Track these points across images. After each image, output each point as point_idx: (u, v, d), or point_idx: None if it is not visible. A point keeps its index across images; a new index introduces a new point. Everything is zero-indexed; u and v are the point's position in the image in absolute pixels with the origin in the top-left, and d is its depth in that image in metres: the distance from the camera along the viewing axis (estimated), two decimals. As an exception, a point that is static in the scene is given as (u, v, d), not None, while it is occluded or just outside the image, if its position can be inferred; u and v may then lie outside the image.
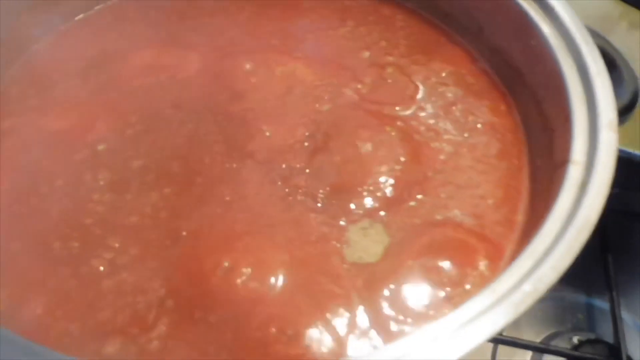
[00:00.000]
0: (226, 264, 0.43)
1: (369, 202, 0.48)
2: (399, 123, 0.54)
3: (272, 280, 0.43)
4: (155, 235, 0.46)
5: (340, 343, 0.41)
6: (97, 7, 0.64)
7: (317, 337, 0.40)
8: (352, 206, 0.48)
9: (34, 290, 0.43)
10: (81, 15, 0.63)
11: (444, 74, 0.59)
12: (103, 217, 0.47)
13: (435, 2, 0.63)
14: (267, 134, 0.52)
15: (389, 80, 0.58)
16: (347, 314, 0.42)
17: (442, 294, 0.43)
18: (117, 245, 0.45)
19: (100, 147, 0.52)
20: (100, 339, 0.41)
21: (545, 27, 0.51)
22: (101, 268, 0.44)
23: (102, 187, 0.49)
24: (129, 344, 0.40)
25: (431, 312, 0.43)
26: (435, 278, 0.44)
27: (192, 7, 0.64)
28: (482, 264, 0.45)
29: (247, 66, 0.58)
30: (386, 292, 0.43)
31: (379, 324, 0.42)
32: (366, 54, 0.60)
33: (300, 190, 0.49)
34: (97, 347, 0.40)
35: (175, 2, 0.65)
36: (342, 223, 0.47)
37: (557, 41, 0.50)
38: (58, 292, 0.43)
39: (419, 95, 0.57)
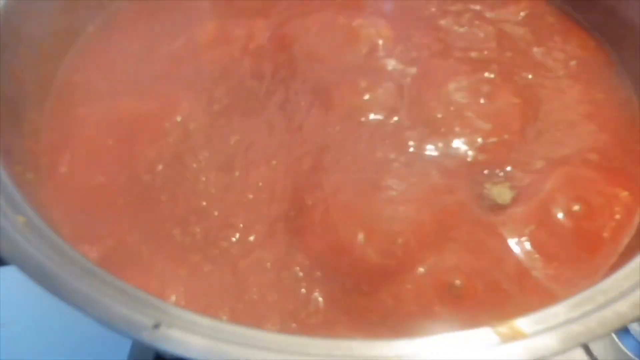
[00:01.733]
0: (361, 236, 0.41)
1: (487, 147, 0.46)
2: (494, 66, 0.52)
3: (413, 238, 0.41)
4: (277, 209, 0.43)
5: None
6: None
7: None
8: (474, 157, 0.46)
9: (169, 281, 0.40)
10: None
11: (522, 15, 0.57)
12: (217, 198, 0.44)
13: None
14: (362, 91, 0.50)
15: (466, 27, 0.56)
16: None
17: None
18: (241, 224, 0.42)
19: (192, 126, 0.48)
20: (256, 322, 0.38)
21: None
22: (233, 250, 0.41)
23: (206, 167, 0.46)
24: (289, 321, 0.38)
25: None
26: (575, 215, 0.43)
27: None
28: (622, 195, 0.43)
29: (321, 26, 0.55)
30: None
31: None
32: (439, 2, 0.58)
33: (413, 146, 0.46)
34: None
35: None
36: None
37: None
38: (194, 280, 0.40)
39: (503, 39, 0.55)
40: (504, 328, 0.28)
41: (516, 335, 0.28)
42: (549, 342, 0.27)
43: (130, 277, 0.39)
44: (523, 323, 0.28)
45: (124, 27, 0.57)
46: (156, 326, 0.28)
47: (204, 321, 0.29)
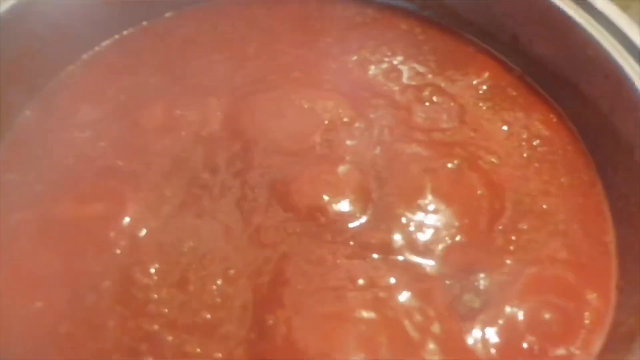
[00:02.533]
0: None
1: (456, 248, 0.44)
2: (457, 150, 0.50)
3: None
4: (236, 331, 0.40)
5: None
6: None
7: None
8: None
9: None
10: (70, 67, 0.54)
11: (483, 89, 0.55)
12: (170, 320, 0.40)
13: (454, 10, 0.59)
14: (322, 188, 0.47)
15: (428, 103, 0.54)
16: None
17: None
18: (197, 350, 0.39)
19: (140, 232, 0.44)
20: None
21: (597, 34, 0.49)
22: (189, 384, 0.38)
23: (157, 283, 0.42)
24: None
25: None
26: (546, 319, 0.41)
27: (192, 44, 0.57)
28: (591, 297, 0.42)
29: (278, 107, 0.52)
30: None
31: None
32: (397, 77, 0.56)
33: (380, 250, 0.44)
34: None
35: (172, 41, 0.57)
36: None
37: (614, 49, 0.48)
38: None
39: (465, 116, 0.53)
40: None
41: None
42: None
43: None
44: None
45: (63, 109, 0.52)
46: None
47: None
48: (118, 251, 0.43)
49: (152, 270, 0.43)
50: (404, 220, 0.45)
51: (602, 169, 0.49)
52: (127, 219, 0.45)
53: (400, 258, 0.44)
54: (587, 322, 0.41)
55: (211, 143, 0.50)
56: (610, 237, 0.46)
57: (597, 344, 0.41)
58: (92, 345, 0.39)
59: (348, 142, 0.50)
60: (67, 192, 0.46)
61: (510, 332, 0.41)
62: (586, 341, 0.41)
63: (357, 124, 0.51)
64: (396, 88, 0.55)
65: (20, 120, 0.51)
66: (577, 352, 0.40)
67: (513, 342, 0.40)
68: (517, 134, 0.52)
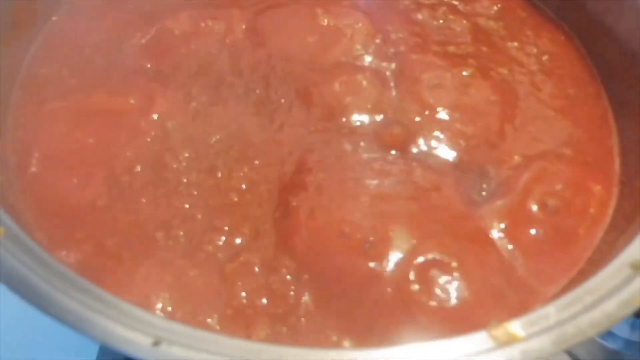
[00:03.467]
0: (345, 236, 0.41)
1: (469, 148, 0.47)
2: (471, 61, 0.52)
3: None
4: (262, 210, 0.43)
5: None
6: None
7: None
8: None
9: (153, 288, 0.39)
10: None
11: (494, 9, 0.57)
12: (200, 200, 0.43)
13: None
14: (342, 91, 0.49)
15: (442, 21, 0.56)
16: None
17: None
18: (226, 227, 0.42)
19: (169, 124, 0.47)
20: (246, 327, 0.38)
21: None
22: (219, 254, 0.41)
23: (187, 168, 0.44)
24: (279, 325, 0.38)
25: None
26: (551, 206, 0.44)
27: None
28: (595, 189, 0.45)
29: (298, 21, 0.54)
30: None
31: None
32: (411, -5, 0.58)
33: (396, 146, 0.46)
34: (245, 335, 0.37)
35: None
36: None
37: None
38: (180, 286, 0.39)
39: (478, 33, 0.55)
40: (499, 332, 0.29)
41: (511, 339, 0.29)
42: (543, 344, 0.28)
43: (112, 283, 0.38)
44: (517, 326, 0.29)
45: (90, 16, 0.54)
46: (156, 344, 0.27)
47: (204, 336, 0.29)
48: (149, 139, 0.45)
49: (182, 157, 0.45)
50: (420, 121, 0.48)
51: (607, 82, 0.52)
52: (156, 113, 0.47)
53: (416, 153, 0.46)
54: (592, 211, 0.44)
55: (235, 50, 0.52)
56: (613, 141, 0.49)
57: (599, 234, 0.44)
58: (126, 218, 0.42)
59: (367, 55, 0.53)
60: (98, 86, 0.48)
61: (517, 217, 0.43)
62: (590, 227, 0.43)
63: (375, 39, 0.54)
64: (413, 6, 0.57)
65: (50, 24, 0.53)
66: (582, 232, 0.43)
67: (520, 226, 0.43)
68: (527, 50, 0.54)
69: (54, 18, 0.53)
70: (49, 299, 0.29)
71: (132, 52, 0.51)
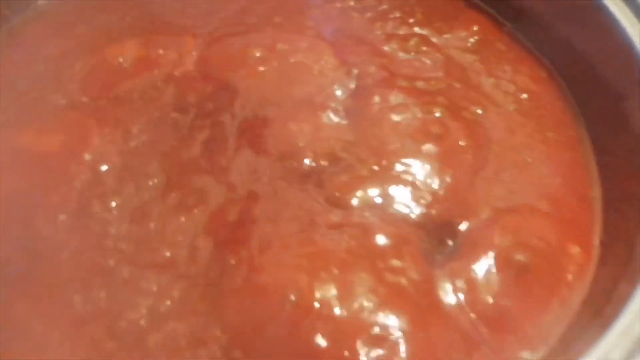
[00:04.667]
0: (293, 298, 0.36)
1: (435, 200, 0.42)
2: (440, 99, 0.48)
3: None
4: (197, 269, 0.38)
5: None
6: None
7: None
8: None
9: (65, 361, 0.34)
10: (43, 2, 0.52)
11: (471, 42, 0.53)
12: (128, 256, 0.38)
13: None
14: (295, 133, 0.45)
15: (413, 53, 0.52)
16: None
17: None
18: (154, 288, 0.37)
19: (103, 167, 0.42)
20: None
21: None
22: (142, 321, 0.36)
23: (117, 218, 0.40)
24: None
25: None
26: (521, 275, 0.39)
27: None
28: (575, 251, 0.40)
29: (256, 52, 0.49)
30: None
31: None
32: (382, 25, 0.53)
33: (355, 197, 0.42)
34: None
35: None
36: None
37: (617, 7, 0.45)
38: (97, 360, 0.34)
39: (451, 67, 0.51)
40: None
41: None
42: None
43: (18, 355, 0.34)
44: None
45: (31, 44, 0.50)
46: None
47: None
48: (78, 184, 0.41)
49: (113, 205, 0.41)
50: (380, 170, 0.43)
51: (591, 125, 0.47)
52: (89, 153, 0.43)
53: (375, 206, 0.41)
54: (569, 277, 0.39)
55: (184, 83, 0.48)
56: (595, 193, 0.44)
57: (575, 304, 0.39)
58: (42, 277, 0.37)
59: (328, 89, 0.48)
60: (28, 124, 0.44)
61: (480, 280, 0.39)
62: (566, 297, 0.39)
63: (338, 71, 0.49)
64: (381, 37, 0.52)
65: (-16, 50, 0.49)
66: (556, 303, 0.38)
67: (484, 291, 0.38)
68: (504, 87, 0.50)
69: (-12, 45, 0.49)
70: None
71: (70, 84, 0.47)
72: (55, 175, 0.41)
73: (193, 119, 0.45)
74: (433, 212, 0.41)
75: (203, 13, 0.52)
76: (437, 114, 0.46)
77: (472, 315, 0.37)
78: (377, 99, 0.47)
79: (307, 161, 0.43)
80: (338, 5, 0.55)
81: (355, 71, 0.49)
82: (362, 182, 0.42)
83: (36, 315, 0.36)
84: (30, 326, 0.35)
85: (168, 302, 0.37)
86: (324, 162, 0.43)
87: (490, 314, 0.38)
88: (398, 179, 0.42)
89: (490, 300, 0.38)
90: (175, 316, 0.36)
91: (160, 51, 0.49)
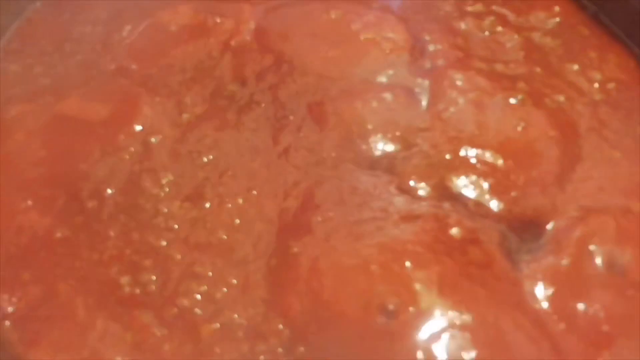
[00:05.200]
0: (363, 293, 0.32)
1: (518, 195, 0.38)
2: (521, 84, 0.43)
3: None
4: (255, 255, 0.35)
5: None
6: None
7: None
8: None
9: (110, 348, 0.31)
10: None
11: (552, 23, 0.48)
12: (181, 236, 0.35)
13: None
14: (364, 112, 0.41)
15: (488, 33, 0.47)
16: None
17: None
18: (209, 273, 0.34)
19: (154, 139, 0.39)
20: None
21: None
22: (197, 310, 0.32)
23: (169, 195, 0.37)
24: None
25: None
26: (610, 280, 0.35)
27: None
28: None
29: (317, 24, 0.45)
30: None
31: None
32: (455, 1, 0.49)
33: (425, 188, 0.38)
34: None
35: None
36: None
37: None
38: (144, 350, 0.31)
39: (531, 51, 0.46)
40: None
41: None
42: None
43: (60, 339, 0.31)
44: None
45: (78, 4, 0.46)
46: None
47: None
48: (127, 157, 0.38)
49: (164, 181, 0.37)
50: (458, 159, 0.39)
51: (687, 121, 0.43)
52: (139, 124, 0.39)
53: (451, 197, 0.37)
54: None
55: (241, 54, 0.44)
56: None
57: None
58: (87, 255, 0.34)
59: (398, 69, 0.44)
60: (75, 88, 0.40)
61: (569, 283, 0.35)
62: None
63: (408, 48, 0.45)
64: (455, 13, 0.48)
65: (30, 10, 0.45)
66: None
67: (573, 295, 0.34)
68: (589, 75, 0.45)
69: (36, 4, 0.46)
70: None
71: (118, 49, 0.43)
72: (102, 146, 0.38)
73: (251, 92, 0.42)
74: (516, 207, 0.37)
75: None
76: (519, 101, 0.42)
77: (561, 324, 0.33)
78: (452, 81, 0.43)
79: (376, 144, 0.39)
80: (408, -23, 0.51)
81: (427, 49, 0.45)
82: (438, 170, 0.38)
83: (80, 295, 0.32)
84: (73, 307, 0.32)
85: (224, 290, 0.33)
86: (395, 147, 0.39)
87: (578, 320, 0.34)
88: (477, 170, 0.38)
89: (578, 306, 0.34)
90: (231, 305, 0.33)
91: (217, 19, 0.45)
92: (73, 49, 0.43)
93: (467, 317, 0.32)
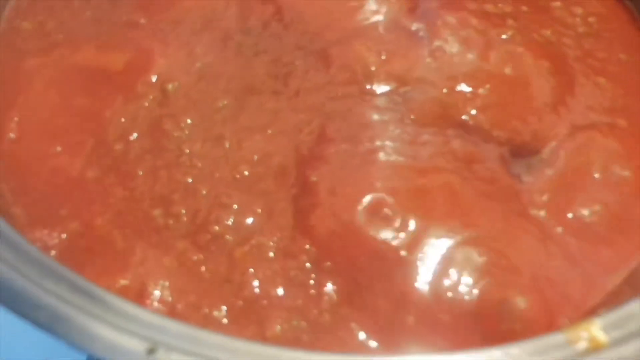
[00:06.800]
0: (376, 208, 0.35)
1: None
2: (510, 21, 0.45)
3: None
4: (277, 186, 0.37)
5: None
6: None
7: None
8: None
9: (150, 273, 0.33)
10: None
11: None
12: (205, 173, 0.37)
13: None
14: (365, 53, 0.43)
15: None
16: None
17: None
18: (235, 205, 0.36)
19: (170, 86, 0.41)
20: (259, 321, 0.32)
21: None
22: (227, 236, 0.35)
23: (190, 136, 0.39)
24: (297, 319, 0.32)
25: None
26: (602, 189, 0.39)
27: None
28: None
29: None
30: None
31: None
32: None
33: (429, 116, 0.41)
34: (258, 331, 0.32)
35: None
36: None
37: None
38: (182, 272, 0.34)
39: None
40: (578, 335, 0.23)
41: (595, 346, 0.23)
42: (631, 352, 0.23)
43: (101, 268, 0.33)
44: (599, 329, 0.24)
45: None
46: (152, 351, 0.22)
47: (209, 338, 0.23)
48: (146, 103, 0.40)
49: (184, 124, 0.39)
50: (458, 93, 0.41)
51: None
52: (155, 73, 0.41)
53: (453, 127, 0.40)
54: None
55: (244, 5, 0.46)
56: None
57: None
58: (120, 192, 0.36)
59: (393, 13, 0.46)
60: (88, 41, 0.42)
61: (564, 194, 0.38)
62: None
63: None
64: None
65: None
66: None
67: (569, 204, 0.38)
68: (572, 10, 0.48)
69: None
70: (17, 292, 0.23)
71: (126, 4, 0.45)
72: (123, 93, 0.40)
73: (256, 41, 0.44)
74: (516, 135, 0.40)
75: None
76: (509, 37, 0.45)
77: (559, 227, 0.37)
78: (445, 21, 0.45)
79: (379, 83, 0.42)
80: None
81: (419, -6, 0.48)
82: (439, 104, 0.41)
83: (117, 228, 0.35)
84: (112, 238, 0.34)
85: (251, 218, 0.36)
86: (397, 84, 0.42)
87: (577, 225, 0.37)
88: (478, 103, 0.41)
89: (575, 213, 0.37)
90: (259, 230, 0.35)
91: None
92: (82, 6, 0.44)
93: (479, 229, 0.35)
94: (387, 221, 0.35)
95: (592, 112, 0.42)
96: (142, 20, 0.44)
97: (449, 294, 0.33)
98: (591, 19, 0.48)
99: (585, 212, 0.37)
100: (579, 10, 0.48)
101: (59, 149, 0.37)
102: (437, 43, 0.44)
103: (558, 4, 0.48)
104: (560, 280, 0.35)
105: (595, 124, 0.41)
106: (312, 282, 0.33)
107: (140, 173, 0.37)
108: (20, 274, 0.24)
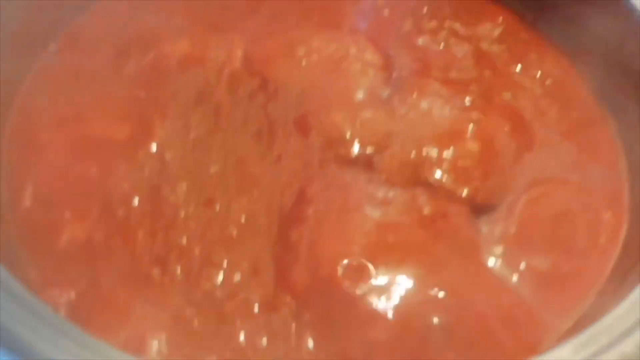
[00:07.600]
0: (349, 263, 0.40)
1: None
2: (473, 87, 0.51)
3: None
4: (261, 245, 0.42)
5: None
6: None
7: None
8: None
9: (149, 327, 0.38)
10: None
11: (496, 33, 0.56)
12: (198, 234, 0.42)
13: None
14: (341, 121, 0.48)
15: (443, 45, 0.55)
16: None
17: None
18: (225, 262, 0.41)
19: (168, 155, 0.46)
20: (247, 366, 0.36)
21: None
22: (217, 292, 0.39)
23: (185, 201, 0.43)
24: (281, 365, 0.36)
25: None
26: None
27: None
28: (606, 216, 0.44)
29: (297, 49, 0.53)
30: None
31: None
32: (413, 21, 0.57)
33: (396, 181, 0.45)
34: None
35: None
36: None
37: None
38: (177, 326, 0.38)
39: (480, 57, 0.54)
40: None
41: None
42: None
43: (106, 324, 0.37)
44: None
45: (89, 44, 0.53)
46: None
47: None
48: (147, 171, 0.45)
49: (180, 190, 0.44)
50: (426, 157, 0.46)
51: (613, 105, 0.51)
52: (154, 143, 0.46)
53: (421, 186, 0.45)
54: (602, 240, 0.43)
55: (233, 79, 0.51)
56: (621, 165, 0.48)
57: (612, 260, 0.43)
58: (122, 254, 0.41)
59: (369, 82, 0.51)
60: (95, 115, 0.47)
61: (518, 245, 0.42)
62: (601, 256, 0.42)
63: (378, 64, 0.52)
64: (414, 31, 0.56)
65: (45, 53, 0.52)
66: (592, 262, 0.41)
67: (523, 254, 0.42)
68: (531, 74, 0.53)
69: (51, 47, 0.53)
70: (32, 348, 0.28)
71: (129, 80, 0.50)
72: (126, 163, 0.44)
73: (246, 112, 0.49)
74: (479, 193, 0.44)
75: (243, 14, 0.56)
76: (471, 102, 0.50)
77: (514, 275, 0.41)
78: (414, 89, 0.51)
79: (354, 149, 0.46)
80: (369, 3, 0.58)
81: (394, 64, 0.53)
82: (408, 166, 0.45)
83: (119, 286, 0.39)
84: (115, 295, 0.39)
85: (239, 275, 0.40)
86: (370, 149, 0.46)
87: (530, 273, 0.41)
88: (443, 165, 0.45)
89: (529, 262, 0.42)
90: (246, 287, 0.40)
91: (211, 50, 0.52)
92: (88, 83, 0.50)
93: (436, 276, 0.39)
94: (360, 275, 0.39)
95: (548, 168, 0.47)
96: (142, 94, 0.50)
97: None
98: (548, 81, 0.53)
99: (537, 261, 0.41)
100: (537, 73, 0.54)
101: (68, 215, 0.42)
102: (406, 109, 0.49)
103: (518, 68, 0.54)
104: (516, 323, 0.39)
105: (550, 179, 0.46)
106: (293, 332, 0.38)
107: (140, 236, 0.41)
108: (33, 332, 0.29)
